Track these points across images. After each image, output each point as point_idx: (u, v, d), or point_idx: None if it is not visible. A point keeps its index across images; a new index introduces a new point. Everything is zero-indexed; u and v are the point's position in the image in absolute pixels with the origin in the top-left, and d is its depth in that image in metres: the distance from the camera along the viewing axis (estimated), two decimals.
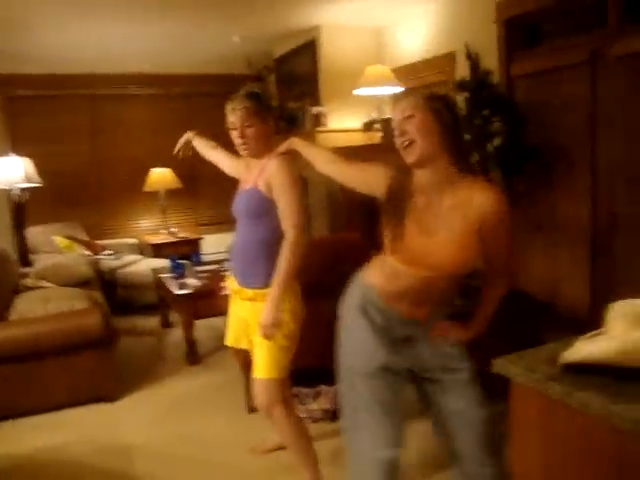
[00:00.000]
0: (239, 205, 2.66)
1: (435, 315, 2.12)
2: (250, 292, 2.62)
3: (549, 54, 4.10)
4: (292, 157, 2.52)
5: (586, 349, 1.43)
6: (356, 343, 2.12)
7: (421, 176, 1.96)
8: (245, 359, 3.10)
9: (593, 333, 1.53)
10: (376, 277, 2.10)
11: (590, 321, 1.70)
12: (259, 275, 2.58)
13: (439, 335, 2.11)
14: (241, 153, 2.65)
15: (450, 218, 1.89)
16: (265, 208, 2.55)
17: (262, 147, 2.60)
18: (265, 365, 2.62)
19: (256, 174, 2.58)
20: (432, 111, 1.90)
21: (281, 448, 3.09)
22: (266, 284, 2.55)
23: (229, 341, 2.86)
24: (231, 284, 2.76)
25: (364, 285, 2.14)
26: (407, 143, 1.92)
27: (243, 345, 2.80)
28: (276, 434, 2.97)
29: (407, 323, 2.08)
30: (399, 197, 1.97)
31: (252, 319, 2.64)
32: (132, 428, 3.60)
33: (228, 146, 2.94)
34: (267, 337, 2.53)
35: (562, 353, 1.48)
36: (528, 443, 1.54)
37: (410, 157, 1.93)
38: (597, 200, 3.84)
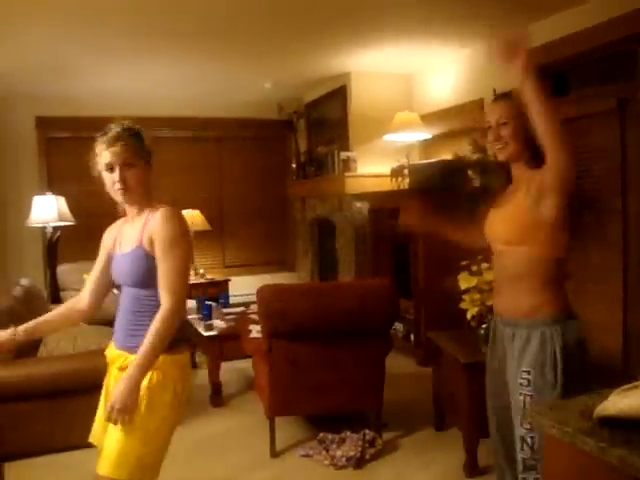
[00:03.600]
0: (123, 269, 2.16)
1: None
2: (132, 357, 2.05)
3: (578, 102, 4.12)
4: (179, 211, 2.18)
5: (621, 403, 1.39)
6: None
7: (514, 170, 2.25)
8: None
9: (629, 386, 1.49)
10: None
11: (624, 372, 1.67)
12: (133, 341, 2.09)
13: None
14: (117, 199, 2.16)
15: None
16: (154, 271, 2.07)
17: (142, 195, 2.16)
18: (115, 462, 2.01)
19: (139, 229, 2.12)
20: (522, 119, 2.11)
21: None
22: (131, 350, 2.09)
23: (92, 439, 2.25)
24: (109, 353, 2.25)
25: None
26: (500, 147, 2.20)
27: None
28: None
29: None
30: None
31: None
32: None
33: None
34: (110, 420, 1.98)
35: (596, 406, 1.44)
36: None
37: (502, 156, 2.22)
38: (628, 248, 3.79)
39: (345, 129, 6.26)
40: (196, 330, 4.79)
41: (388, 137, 5.36)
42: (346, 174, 6.00)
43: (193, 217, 7.25)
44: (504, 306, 2.24)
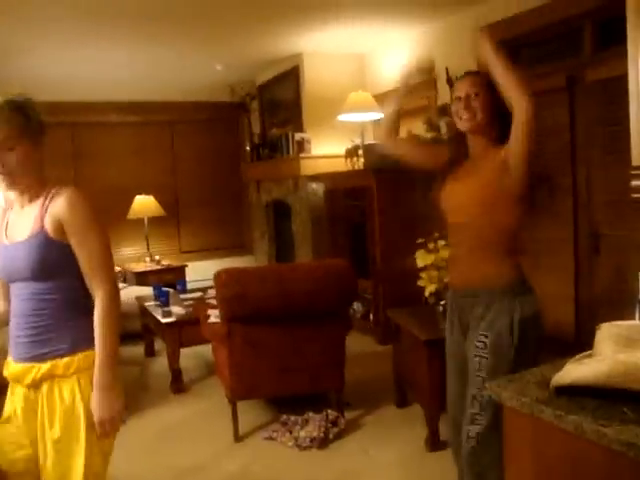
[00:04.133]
0: (14, 263, 1.85)
1: None
2: (46, 366, 1.81)
3: (528, 80, 4.17)
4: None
5: (576, 372, 1.43)
6: None
7: (473, 144, 2.30)
8: None
9: (582, 355, 1.53)
10: None
11: (576, 342, 1.73)
12: (63, 337, 1.85)
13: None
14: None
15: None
16: (60, 258, 1.84)
17: (32, 177, 1.87)
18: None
19: (35, 215, 1.85)
20: (492, 92, 2.18)
21: None
22: (73, 350, 1.84)
23: None
24: (10, 370, 1.90)
25: None
26: (468, 117, 2.23)
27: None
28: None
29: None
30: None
31: (47, 411, 1.83)
32: (116, 458, 3.48)
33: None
34: (105, 436, 1.86)
35: (552, 376, 1.48)
36: (521, 466, 1.53)
37: (467, 125, 2.25)
38: (578, 223, 3.88)
39: (299, 110, 6.23)
40: (154, 317, 4.74)
41: (342, 117, 5.35)
42: (301, 155, 5.98)
43: (147, 203, 7.14)
44: (464, 277, 2.28)
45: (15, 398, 1.90)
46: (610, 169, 3.63)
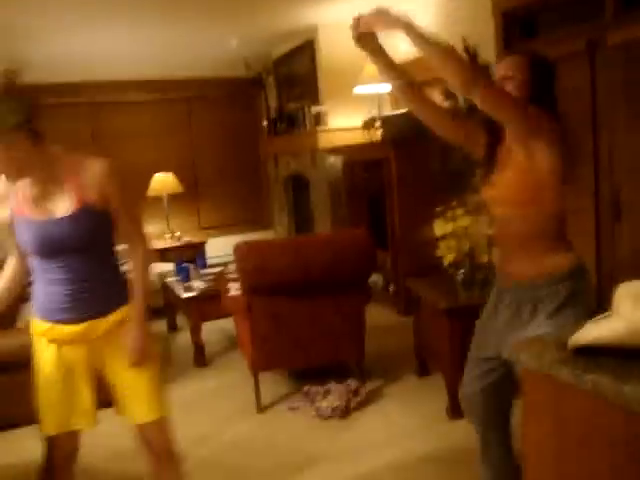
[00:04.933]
0: (61, 236, 1.97)
1: None
2: (111, 318, 2.11)
3: (547, 45, 4.10)
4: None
5: (595, 331, 1.42)
6: None
7: None
8: (72, 446, 2.34)
9: (601, 316, 1.52)
10: None
11: (598, 306, 1.72)
12: (113, 296, 2.14)
13: None
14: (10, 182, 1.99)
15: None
16: (104, 225, 2.06)
17: (33, 166, 1.94)
18: (156, 401, 2.23)
19: (72, 188, 1.97)
20: (531, 74, 2.10)
21: None
22: (122, 303, 2.14)
23: (51, 427, 2.20)
24: (67, 331, 2.10)
25: None
26: None
27: (78, 425, 2.27)
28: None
29: None
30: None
31: (113, 356, 2.15)
32: None
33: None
34: (139, 364, 2.12)
35: (571, 337, 1.48)
36: (541, 427, 1.53)
37: None
38: (600, 189, 3.83)
39: (315, 83, 6.19)
40: (175, 293, 4.79)
41: (358, 89, 5.31)
42: (318, 129, 5.95)
43: (166, 180, 7.18)
44: (520, 271, 2.16)
45: (83, 352, 2.14)
46: (633, 133, 3.57)
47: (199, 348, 4.60)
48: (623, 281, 1.61)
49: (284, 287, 3.52)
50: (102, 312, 2.10)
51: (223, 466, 3.16)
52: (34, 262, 2.09)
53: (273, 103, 7.33)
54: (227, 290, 4.06)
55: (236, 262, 3.57)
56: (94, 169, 1.98)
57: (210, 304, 4.48)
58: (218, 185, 7.95)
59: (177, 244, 7.06)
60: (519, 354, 1.56)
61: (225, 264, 5.41)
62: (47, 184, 1.98)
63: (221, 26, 5.65)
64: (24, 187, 2.00)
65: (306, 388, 3.78)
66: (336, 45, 5.95)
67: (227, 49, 6.48)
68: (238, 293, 3.75)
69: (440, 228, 3.33)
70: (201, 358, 4.59)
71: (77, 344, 2.12)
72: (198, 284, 4.76)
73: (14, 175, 1.94)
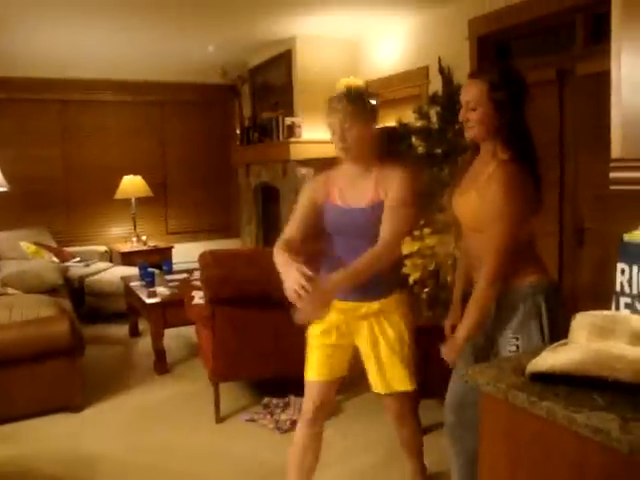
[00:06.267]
0: (354, 222, 2.43)
1: None
2: (376, 304, 2.47)
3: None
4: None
5: (551, 359, 1.46)
6: None
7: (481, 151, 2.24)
8: (330, 393, 2.72)
9: (558, 344, 1.56)
10: None
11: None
12: (383, 284, 2.46)
13: None
14: (341, 155, 2.48)
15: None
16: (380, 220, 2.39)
17: (363, 153, 2.44)
18: (409, 376, 2.53)
19: (371, 186, 2.41)
20: (493, 103, 2.11)
21: None
22: (390, 291, 2.48)
23: (322, 375, 2.61)
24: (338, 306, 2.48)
25: None
26: (467, 127, 2.18)
27: (340, 374, 2.67)
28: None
29: None
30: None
31: (378, 333, 2.51)
32: (97, 438, 3.54)
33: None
34: (312, 301, 2.29)
35: (528, 363, 1.50)
36: (496, 449, 1.56)
37: (468, 135, 2.22)
38: (564, 216, 3.91)
39: (290, 94, 6.20)
40: (139, 297, 4.74)
41: None
42: (291, 140, 5.95)
43: (135, 183, 7.11)
44: None
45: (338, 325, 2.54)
46: (597, 163, 3.65)
47: (160, 355, 4.55)
48: (584, 305, 1.64)
49: (248, 298, 3.51)
50: (365, 298, 2.44)
51: (174, 475, 3.13)
52: (332, 241, 2.52)
53: (247, 112, 7.32)
54: (191, 298, 4.03)
55: (200, 271, 3.55)
56: (390, 174, 2.39)
57: (173, 311, 4.45)
58: (187, 191, 7.89)
59: (143, 248, 6.99)
60: (477, 378, 1.58)
61: (191, 271, 5.38)
62: (354, 176, 2.46)
63: (199, 32, 5.63)
64: (336, 178, 2.52)
65: (266, 400, 3.76)
66: (313, 57, 5.98)
67: (204, 55, 6.46)
68: (202, 302, 3.73)
69: (407, 246, 3.36)
70: (162, 365, 4.54)
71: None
72: (162, 290, 4.72)
73: (350, 152, 2.40)
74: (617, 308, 1.72)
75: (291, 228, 2.55)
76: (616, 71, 1.60)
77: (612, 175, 1.64)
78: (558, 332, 2.05)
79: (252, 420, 3.64)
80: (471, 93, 2.15)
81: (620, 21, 1.56)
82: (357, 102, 2.38)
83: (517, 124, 2.15)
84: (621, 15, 1.55)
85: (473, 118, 2.14)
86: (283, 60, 6.28)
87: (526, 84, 2.19)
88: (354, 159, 2.44)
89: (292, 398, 3.72)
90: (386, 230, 2.33)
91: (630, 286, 1.68)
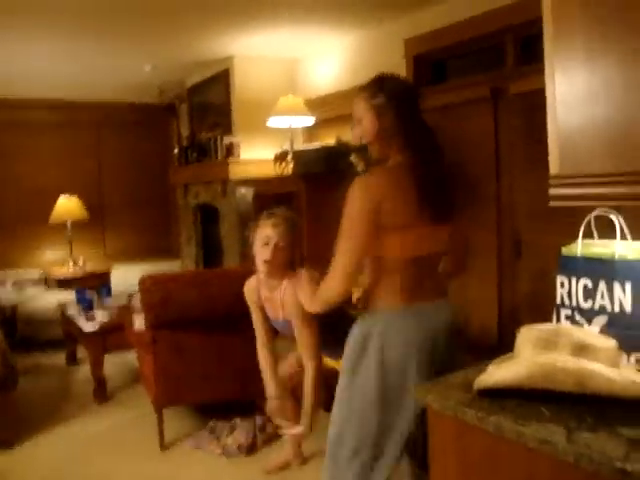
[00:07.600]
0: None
1: None
2: None
3: (455, 89, 4.28)
4: None
5: (497, 374, 1.47)
6: None
7: None
8: None
9: (503, 358, 1.57)
10: None
11: (500, 345, 1.79)
12: None
13: None
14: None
15: None
16: None
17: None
18: None
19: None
20: (374, 109, 2.11)
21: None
22: None
23: None
24: None
25: None
26: (363, 140, 2.17)
27: None
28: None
29: None
30: None
31: None
32: (30, 476, 3.36)
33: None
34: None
35: (475, 379, 1.51)
36: (446, 466, 1.56)
37: (370, 149, 2.22)
38: (502, 229, 4.00)
39: (228, 114, 6.16)
40: (76, 324, 4.58)
41: (271, 121, 5.33)
42: (229, 159, 5.91)
43: (70, 206, 6.90)
44: None
45: None
46: (531, 178, 3.76)
47: (100, 383, 4.40)
48: (523, 318, 1.67)
49: (189, 321, 3.45)
50: None
51: None
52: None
53: (185, 131, 7.24)
54: (131, 323, 3.93)
55: (141, 295, 3.46)
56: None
57: (113, 336, 4.32)
58: (125, 212, 7.72)
59: (80, 273, 6.76)
60: (425, 395, 1.58)
61: (131, 294, 5.24)
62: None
63: (136, 51, 5.54)
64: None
65: (212, 423, 3.69)
66: (251, 76, 5.97)
67: (141, 74, 6.36)
68: (142, 327, 3.64)
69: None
70: (102, 393, 4.40)
71: None
72: (101, 315, 4.58)
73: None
74: (558, 320, 1.76)
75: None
76: (551, 90, 1.64)
77: (551, 191, 1.68)
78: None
79: (198, 447, 3.55)
80: (355, 107, 2.18)
81: (552, 42, 1.60)
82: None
83: (406, 126, 2.12)
84: (553, 35, 1.59)
85: (363, 129, 2.15)
86: (221, 79, 6.25)
87: (410, 86, 2.26)
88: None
89: (238, 420, 3.65)
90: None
91: (570, 298, 1.72)
